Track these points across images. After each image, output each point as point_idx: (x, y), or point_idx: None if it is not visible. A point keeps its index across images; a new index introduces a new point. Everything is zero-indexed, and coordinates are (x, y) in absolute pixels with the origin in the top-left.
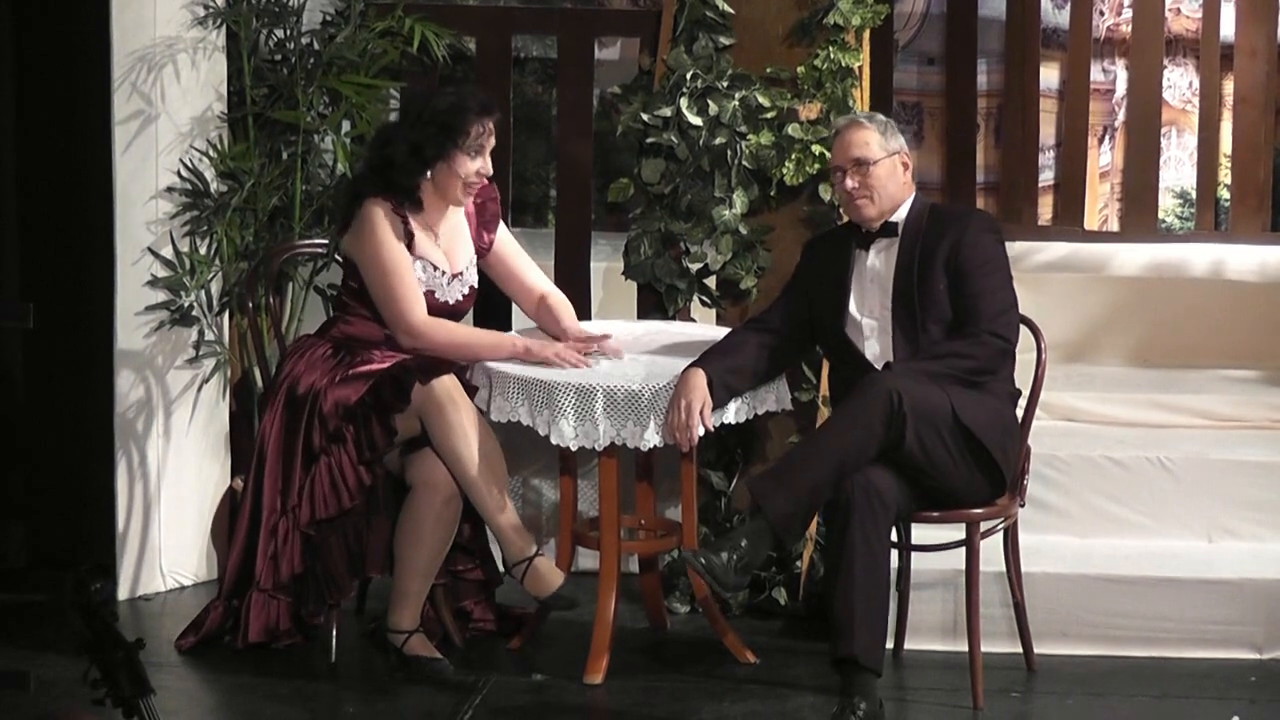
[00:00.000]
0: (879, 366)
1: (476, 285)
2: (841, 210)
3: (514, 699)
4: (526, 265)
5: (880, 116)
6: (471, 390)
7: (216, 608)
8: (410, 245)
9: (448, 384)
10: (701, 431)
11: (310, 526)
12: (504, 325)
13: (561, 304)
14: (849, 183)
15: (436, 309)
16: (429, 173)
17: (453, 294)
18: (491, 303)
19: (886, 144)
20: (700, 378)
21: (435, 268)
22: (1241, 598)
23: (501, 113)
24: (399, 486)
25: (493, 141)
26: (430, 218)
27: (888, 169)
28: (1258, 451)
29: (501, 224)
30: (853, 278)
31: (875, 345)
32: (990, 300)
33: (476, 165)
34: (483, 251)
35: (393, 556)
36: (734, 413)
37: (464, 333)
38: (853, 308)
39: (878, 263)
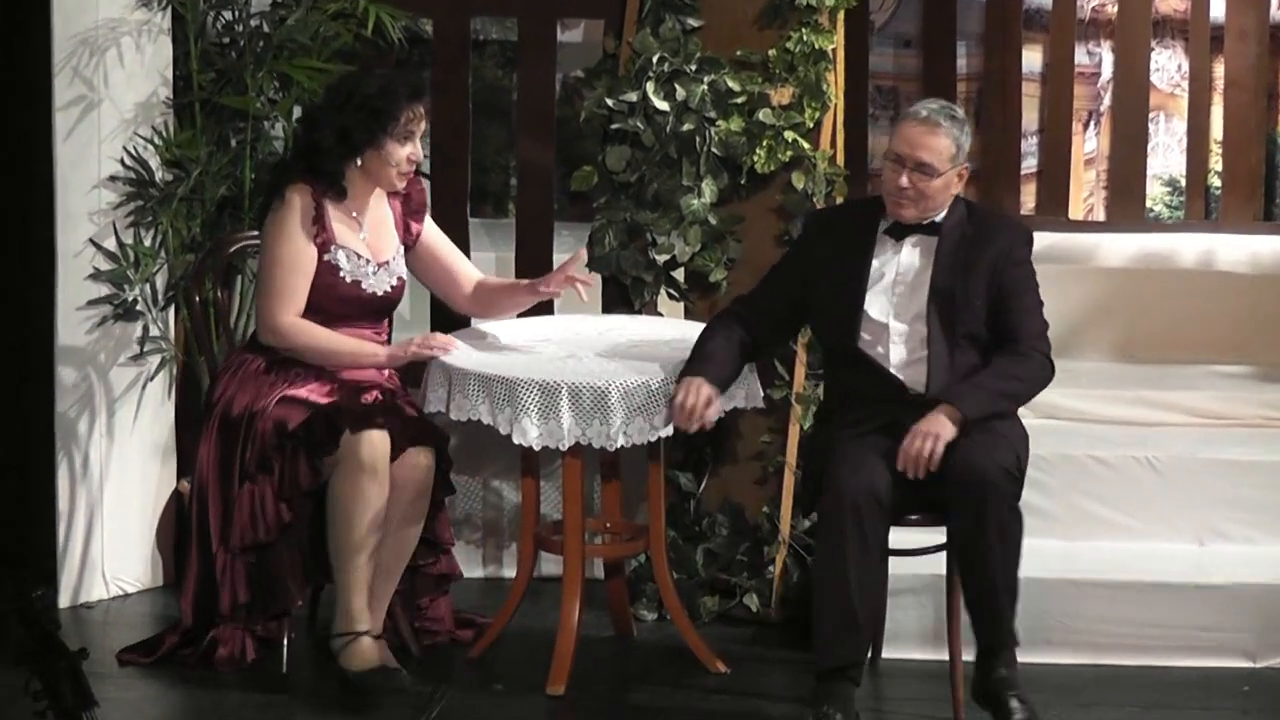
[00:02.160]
0: (901, 374)
1: (405, 277)
2: (878, 196)
3: (473, 710)
4: (456, 256)
5: (959, 116)
6: (437, 438)
7: (172, 638)
8: (327, 236)
9: (375, 445)
10: (714, 416)
11: (242, 554)
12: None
13: (498, 278)
14: (901, 180)
15: (366, 300)
16: (358, 160)
17: (381, 284)
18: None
19: (956, 157)
20: (702, 382)
21: (359, 256)
22: (1233, 603)
23: (460, 97)
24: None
25: (423, 126)
26: (354, 205)
27: (946, 181)
28: (1249, 450)
29: (428, 217)
30: (875, 271)
31: (901, 350)
32: (1034, 319)
33: (407, 151)
34: (409, 244)
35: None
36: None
37: (324, 335)
38: (873, 305)
39: (913, 260)
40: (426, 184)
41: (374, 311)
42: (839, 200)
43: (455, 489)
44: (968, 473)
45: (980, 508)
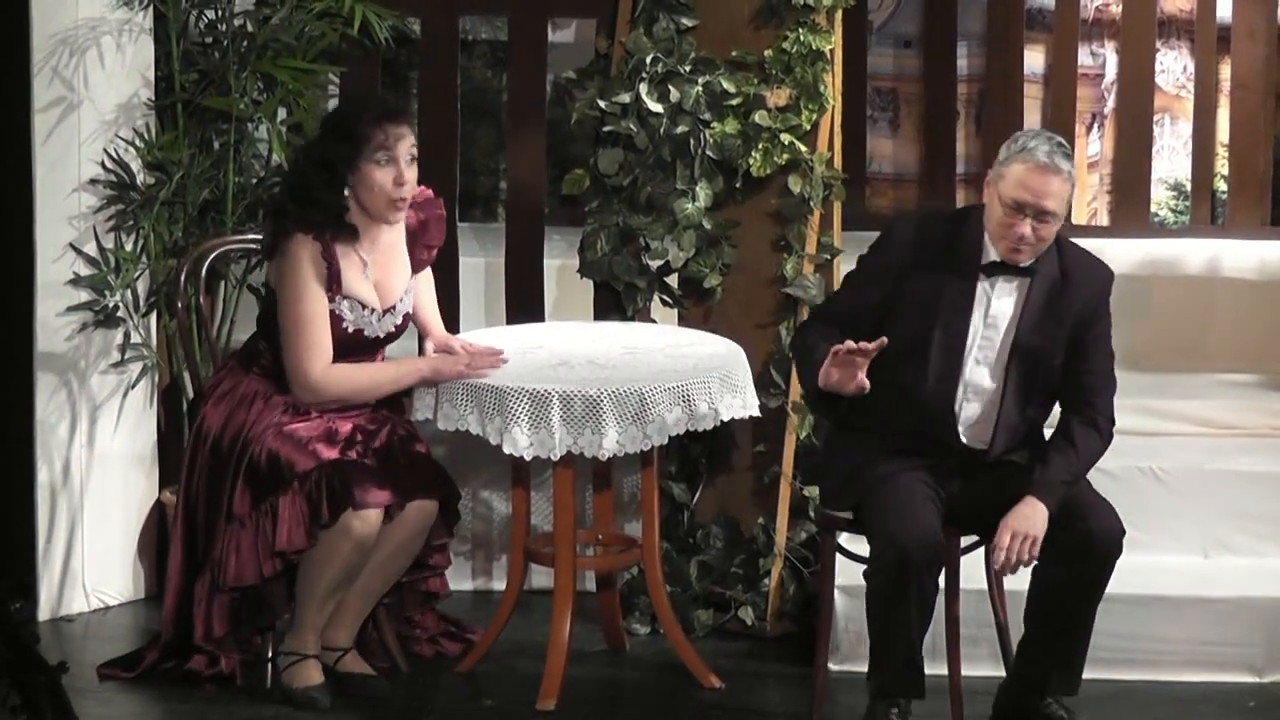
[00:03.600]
0: (965, 433)
1: (410, 312)
2: (988, 236)
3: None
4: (432, 312)
5: (1069, 150)
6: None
7: (153, 654)
8: (337, 284)
9: (369, 524)
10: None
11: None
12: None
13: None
14: (1024, 229)
15: (365, 342)
16: (345, 191)
17: (384, 328)
18: None
19: (1069, 199)
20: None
21: (364, 306)
22: (1239, 617)
23: (448, 98)
24: None
25: (407, 149)
26: (364, 243)
27: (1059, 225)
28: (1257, 461)
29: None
30: (975, 317)
31: (974, 406)
32: (1109, 384)
33: (389, 174)
34: (417, 266)
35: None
36: (700, 419)
37: (364, 376)
38: (971, 353)
39: (1004, 307)
40: (443, 212)
41: (372, 350)
42: (836, 205)
43: (454, 534)
44: (1104, 535)
45: (1101, 568)
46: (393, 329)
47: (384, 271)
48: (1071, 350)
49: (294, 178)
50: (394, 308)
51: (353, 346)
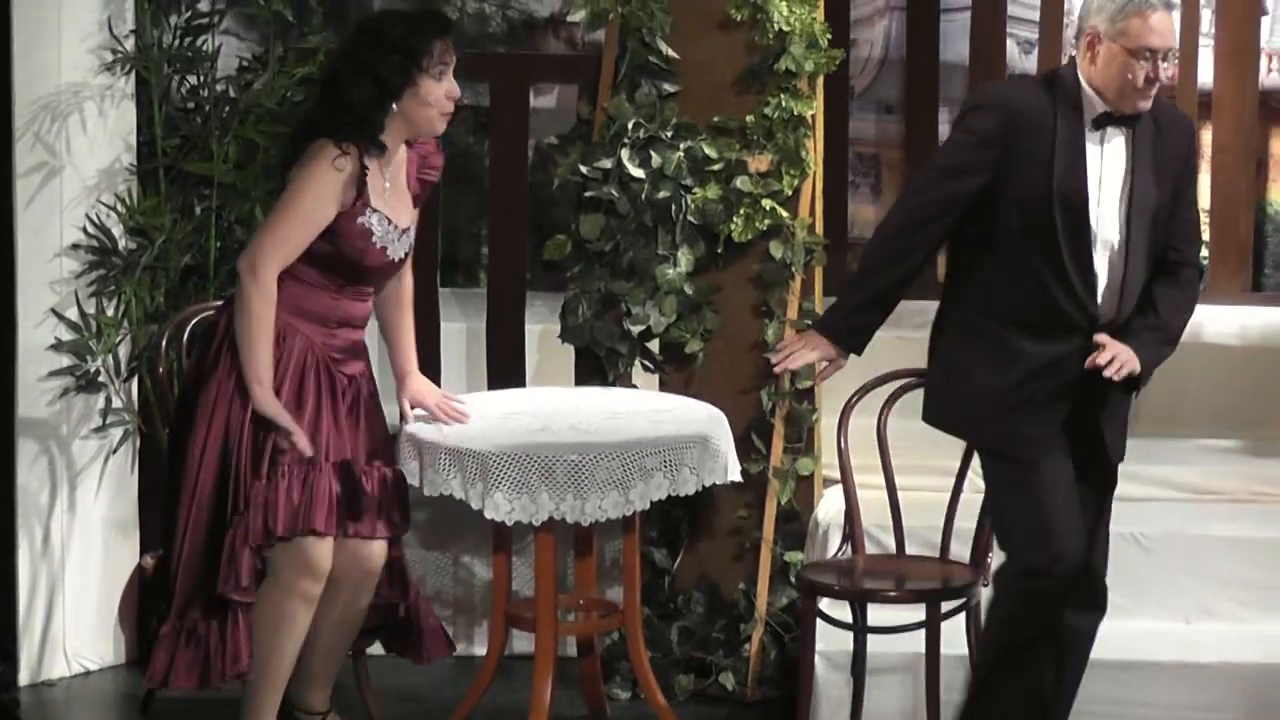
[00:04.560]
0: (1102, 295)
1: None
2: (1105, 94)
3: None
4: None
5: None
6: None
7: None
8: (364, 199)
9: (313, 563)
10: (794, 366)
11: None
12: None
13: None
14: (1157, 71)
15: (384, 267)
16: (394, 105)
17: (399, 251)
18: None
19: None
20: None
21: (390, 222)
22: (1221, 682)
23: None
24: None
25: (454, 60)
26: (387, 160)
27: None
28: (1239, 526)
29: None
30: (1089, 170)
31: (1103, 268)
32: (1198, 230)
33: (445, 87)
34: (414, 200)
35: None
36: (682, 484)
37: (265, 327)
38: (1093, 210)
39: (1115, 159)
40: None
41: (383, 278)
42: (818, 270)
43: (409, 585)
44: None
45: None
46: (405, 253)
47: (398, 194)
48: (1174, 198)
49: (333, 90)
50: (408, 230)
51: (375, 272)
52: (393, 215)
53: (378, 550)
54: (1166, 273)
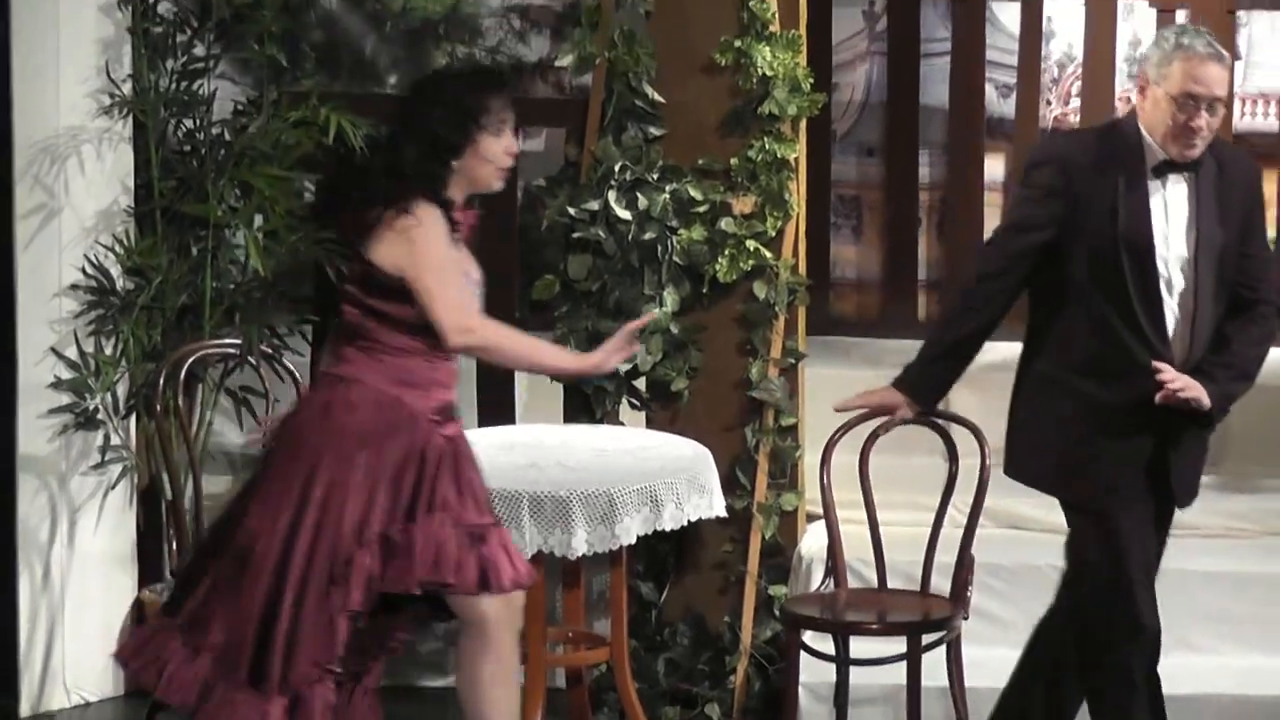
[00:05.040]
0: (1172, 338)
1: None
2: (1156, 139)
3: None
4: None
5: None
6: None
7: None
8: (462, 255)
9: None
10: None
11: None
12: None
13: None
14: (1200, 120)
15: None
16: (455, 163)
17: (480, 301)
18: None
19: (1229, 83)
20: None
21: (469, 275)
22: (1198, 715)
23: None
24: None
25: (511, 116)
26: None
27: (1224, 112)
28: (1213, 561)
29: None
30: (1154, 216)
31: (1174, 311)
32: (1270, 268)
33: (504, 143)
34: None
35: None
36: (667, 519)
37: (526, 343)
38: (1159, 256)
39: (1179, 205)
40: None
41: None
42: (801, 310)
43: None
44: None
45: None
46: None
47: (461, 248)
48: (1242, 237)
49: (395, 156)
50: (479, 280)
51: None
52: (470, 268)
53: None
54: (1240, 310)
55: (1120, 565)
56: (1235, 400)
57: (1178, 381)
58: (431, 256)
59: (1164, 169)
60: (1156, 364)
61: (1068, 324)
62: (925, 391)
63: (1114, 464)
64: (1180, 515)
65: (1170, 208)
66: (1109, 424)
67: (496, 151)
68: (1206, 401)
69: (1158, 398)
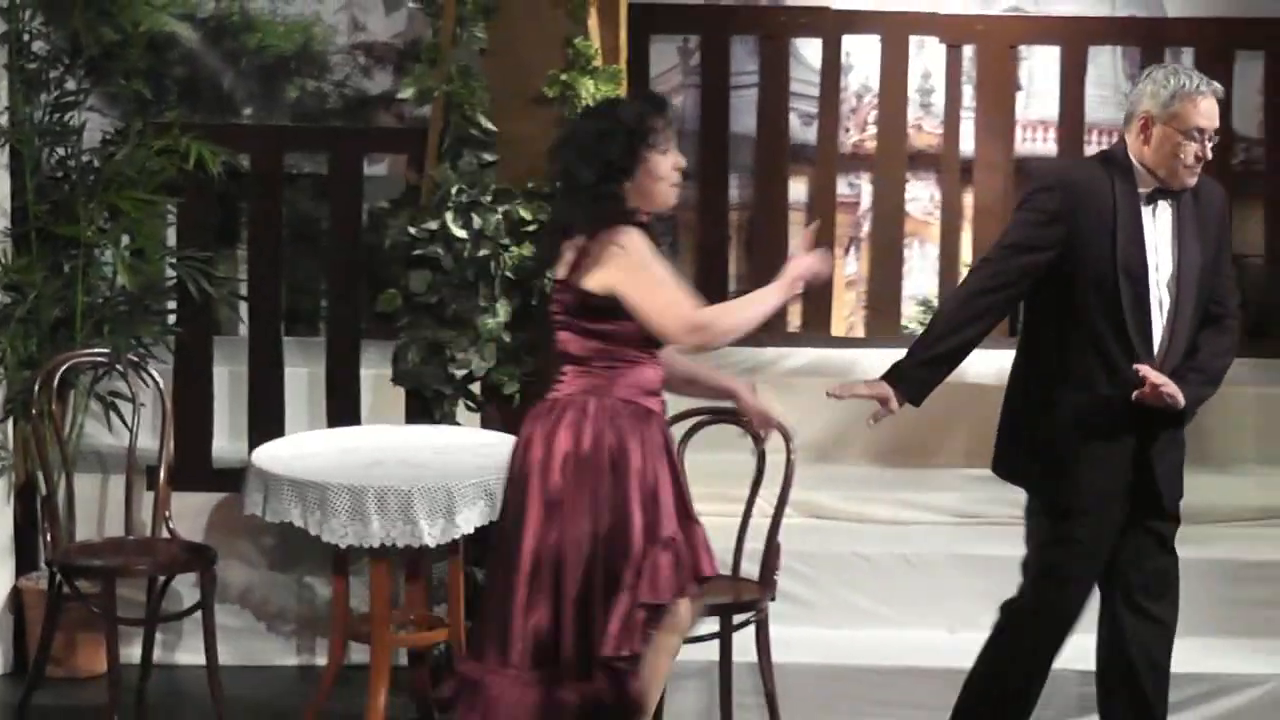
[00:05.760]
0: (1156, 351)
1: None
2: (1156, 171)
3: None
4: None
5: None
6: None
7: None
8: None
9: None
10: (845, 395)
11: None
12: None
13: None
14: (1204, 150)
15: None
16: (628, 183)
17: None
18: None
19: None
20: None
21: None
22: (940, 686)
23: (275, 225)
24: None
25: (674, 134)
26: None
27: None
28: (997, 547)
29: None
30: (1147, 240)
31: (1161, 327)
32: (1233, 282)
33: (671, 160)
34: None
35: None
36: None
37: (745, 304)
38: (1153, 275)
39: (1163, 229)
40: None
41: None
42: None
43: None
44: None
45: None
46: None
47: None
48: (1214, 253)
49: (573, 181)
50: None
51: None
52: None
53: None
54: (1208, 323)
55: (1073, 546)
56: (1203, 403)
57: (1158, 378)
58: (641, 274)
59: (1154, 196)
60: (1139, 366)
61: (1062, 338)
62: (917, 390)
63: (1097, 468)
64: (966, 506)
65: (1158, 232)
66: (1094, 431)
67: (665, 168)
68: (1183, 400)
69: (1135, 395)
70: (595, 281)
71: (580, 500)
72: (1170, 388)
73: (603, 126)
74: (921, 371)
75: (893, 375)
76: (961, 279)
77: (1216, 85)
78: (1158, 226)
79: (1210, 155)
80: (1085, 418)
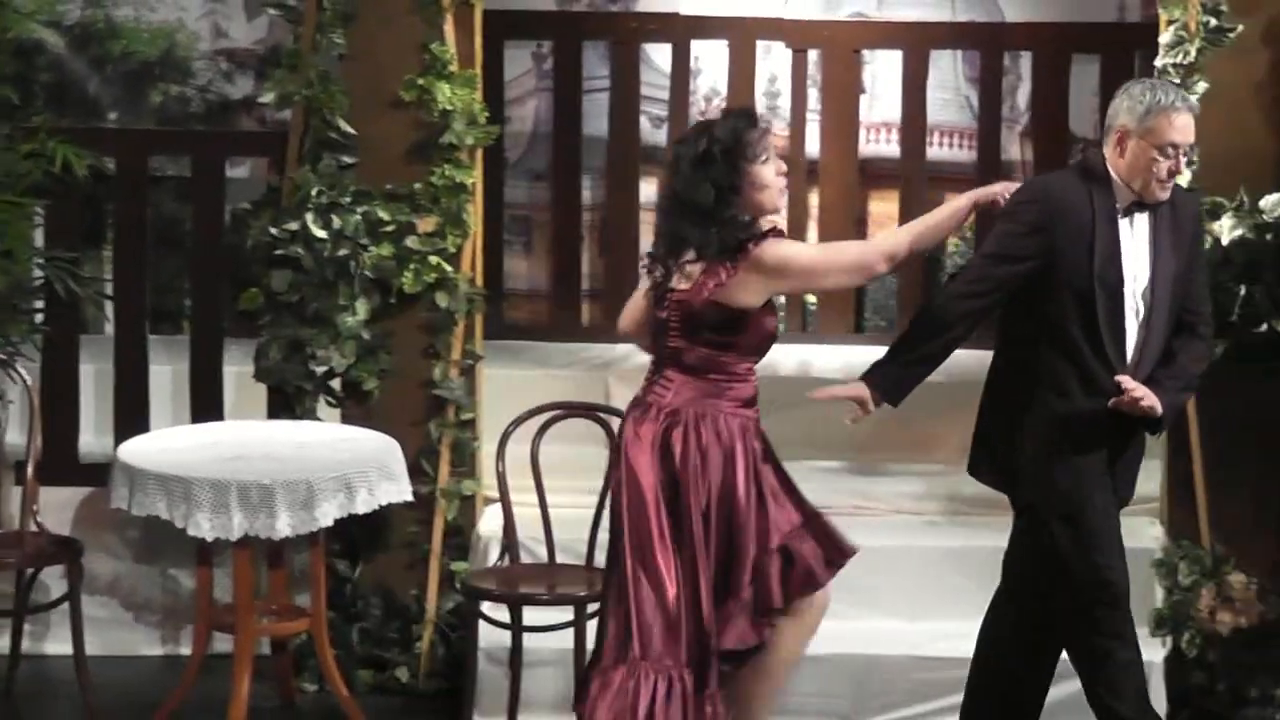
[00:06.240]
0: (1130, 359)
1: None
2: (1131, 184)
3: None
4: None
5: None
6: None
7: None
8: None
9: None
10: (824, 397)
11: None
12: None
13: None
14: (1176, 165)
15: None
16: (737, 198)
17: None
18: None
19: None
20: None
21: None
22: (831, 671)
23: (139, 226)
24: None
25: (772, 143)
26: None
27: None
28: (851, 537)
29: None
30: (1124, 251)
31: (1135, 331)
32: (1207, 292)
33: (772, 167)
34: None
35: None
36: (360, 503)
37: (921, 223)
38: (1129, 285)
39: (1140, 239)
40: None
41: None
42: (479, 317)
43: None
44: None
45: None
46: None
47: None
48: (1186, 265)
49: (687, 211)
50: None
51: (773, 339)
52: None
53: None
54: (1183, 330)
55: (1091, 533)
56: (1181, 408)
57: (1138, 391)
58: (803, 265)
59: (1131, 208)
60: (1120, 377)
61: (1037, 346)
62: (896, 391)
63: (1074, 467)
64: (814, 497)
65: (1135, 242)
66: (1069, 435)
67: (768, 176)
68: (1159, 409)
69: (1111, 403)
70: (738, 297)
71: (693, 504)
72: (1149, 399)
73: (700, 150)
74: (899, 372)
75: (872, 377)
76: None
77: (1192, 101)
78: (1135, 237)
79: (1183, 169)
80: (1060, 423)
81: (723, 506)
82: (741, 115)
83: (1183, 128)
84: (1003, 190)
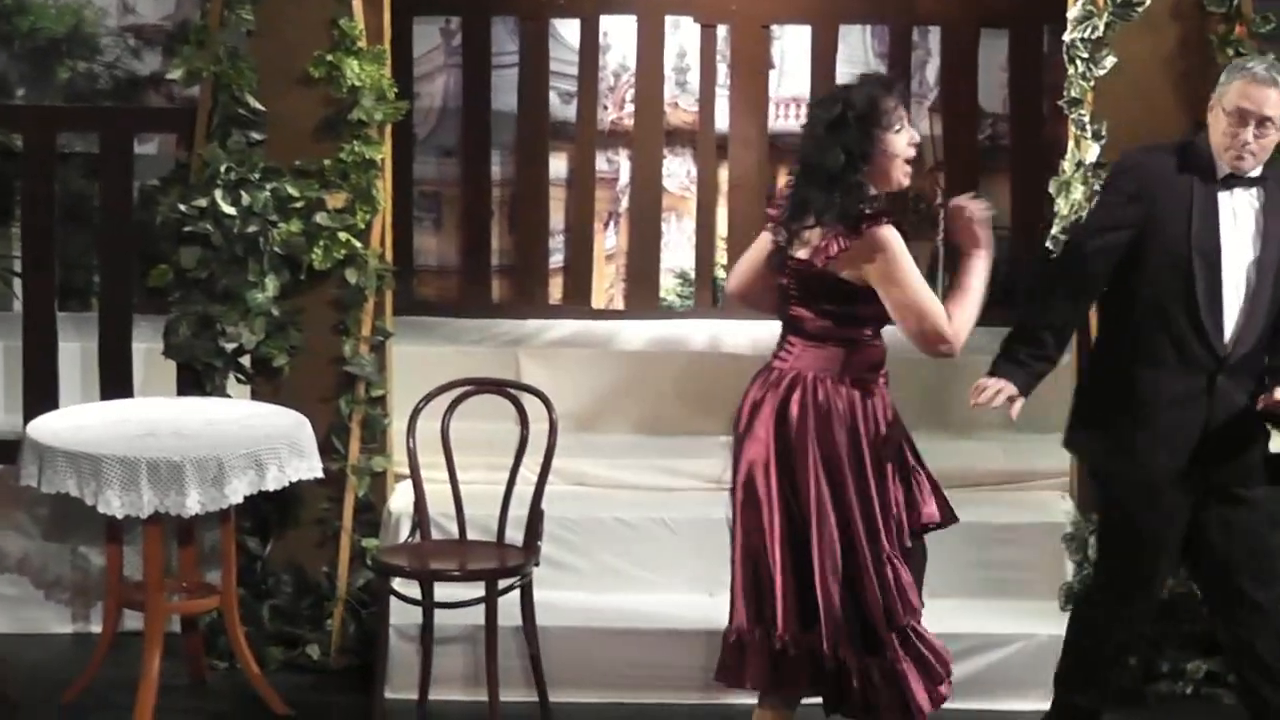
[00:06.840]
0: (1229, 335)
1: None
2: (1221, 156)
3: None
4: None
5: None
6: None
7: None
8: None
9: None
10: (997, 404)
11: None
12: None
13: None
14: (1247, 135)
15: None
16: (866, 167)
17: None
18: None
19: None
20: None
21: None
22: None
23: (47, 203)
24: None
25: (906, 112)
26: None
27: (1277, 135)
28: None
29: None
30: (1223, 224)
31: (1234, 314)
32: None
33: (905, 137)
34: None
35: None
36: (271, 480)
37: (972, 305)
38: (1228, 259)
39: (1245, 213)
40: None
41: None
42: (388, 293)
43: None
44: None
45: None
46: None
47: None
48: None
49: (815, 175)
50: None
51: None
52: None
53: None
54: None
55: (1141, 541)
56: None
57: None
58: (902, 281)
59: (1231, 181)
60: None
61: (1136, 320)
62: (1030, 386)
63: (1167, 450)
64: (720, 472)
65: (1238, 217)
66: (1166, 412)
67: (900, 145)
68: None
69: (1260, 402)
70: (853, 274)
71: (817, 471)
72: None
73: (835, 114)
74: (1028, 370)
75: (1006, 370)
76: (1050, 260)
77: (1270, 69)
78: (1237, 212)
79: (1255, 142)
80: (1154, 400)
81: (835, 474)
82: (878, 82)
83: (1255, 97)
84: (973, 205)
